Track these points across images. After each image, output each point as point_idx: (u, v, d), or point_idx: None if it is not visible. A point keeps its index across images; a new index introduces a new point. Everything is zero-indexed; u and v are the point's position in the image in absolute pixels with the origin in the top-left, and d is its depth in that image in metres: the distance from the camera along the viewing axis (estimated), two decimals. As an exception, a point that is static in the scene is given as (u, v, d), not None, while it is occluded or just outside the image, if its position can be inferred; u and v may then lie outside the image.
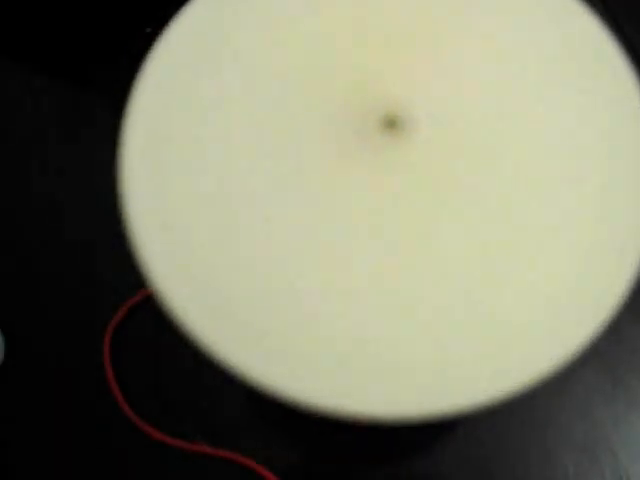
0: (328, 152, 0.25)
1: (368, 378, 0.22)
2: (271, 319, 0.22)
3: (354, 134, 0.25)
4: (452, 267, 0.23)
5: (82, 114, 0.47)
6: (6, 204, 0.45)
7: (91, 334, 0.43)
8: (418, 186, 0.24)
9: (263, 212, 0.24)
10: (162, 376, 0.41)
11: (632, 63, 0.46)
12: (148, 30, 0.39)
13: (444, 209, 0.24)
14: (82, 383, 0.42)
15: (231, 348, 0.22)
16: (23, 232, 0.46)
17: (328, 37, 0.26)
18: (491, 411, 0.37)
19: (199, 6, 0.25)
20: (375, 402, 0.22)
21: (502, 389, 0.22)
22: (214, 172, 0.24)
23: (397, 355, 0.22)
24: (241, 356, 0.22)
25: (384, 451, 0.37)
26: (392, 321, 0.23)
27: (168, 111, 0.25)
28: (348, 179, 0.24)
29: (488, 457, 0.37)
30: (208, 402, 0.40)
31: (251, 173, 0.24)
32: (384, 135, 0.25)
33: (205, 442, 0.37)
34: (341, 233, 0.23)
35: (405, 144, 0.25)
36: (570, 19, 0.26)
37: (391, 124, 0.26)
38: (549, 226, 0.24)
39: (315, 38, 0.26)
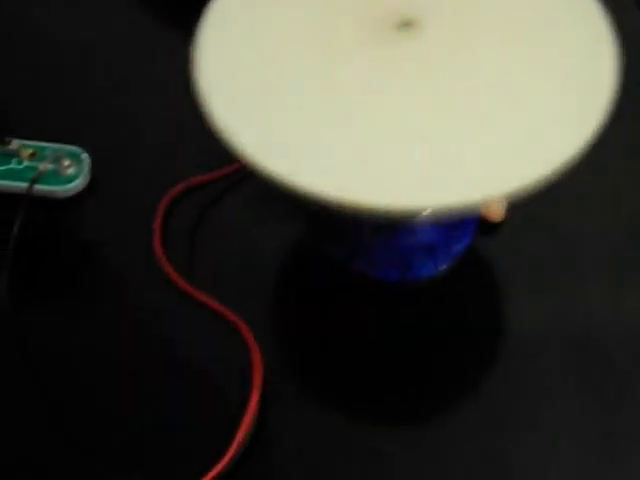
0: (360, 40, 0.33)
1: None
2: (318, 142, 0.31)
3: (380, 30, 0.34)
4: (464, 105, 0.32)
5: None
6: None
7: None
8: (428, 59, 0.33)
9: (309, 74, 0.33)
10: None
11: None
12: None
13: (453, 71, 0.33)
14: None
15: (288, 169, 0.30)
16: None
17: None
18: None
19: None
20: (428, 193, 0.29)
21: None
22: (269, 48, 0.34)
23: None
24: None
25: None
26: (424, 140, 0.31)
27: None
28: (374, 56, 0.33)
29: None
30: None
31: (298, 49, 0.33)
32: (401, 31, 0.34)
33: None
34: (374, 87, 0.32)
35: (417, 37, 0.33)
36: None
37: (407, 24, 0.34)
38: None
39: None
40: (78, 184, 0.44)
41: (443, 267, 0.40)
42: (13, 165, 0.44)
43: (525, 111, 0.31)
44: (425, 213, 0.30)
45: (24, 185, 0.43)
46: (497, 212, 0.41)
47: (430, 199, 0.29)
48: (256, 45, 0.34)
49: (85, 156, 0.44)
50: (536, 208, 0.42)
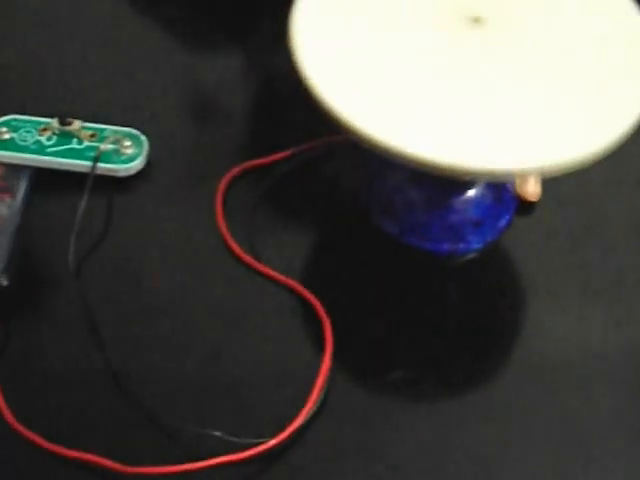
0: (440, 28, 0.38)
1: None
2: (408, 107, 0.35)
3: (456, 23, 0.39)
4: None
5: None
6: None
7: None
8: (492, 48, 0.38)
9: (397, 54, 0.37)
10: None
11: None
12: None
13: (517, 59, 0.38)
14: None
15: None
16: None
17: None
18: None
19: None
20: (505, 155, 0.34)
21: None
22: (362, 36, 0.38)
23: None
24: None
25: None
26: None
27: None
28: (447, 44, 0.38)
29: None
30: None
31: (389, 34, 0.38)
32: (473, 26, 0.38)
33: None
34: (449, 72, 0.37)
35: (485, 31, 0.38)
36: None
37: (476, 20, 0.39)
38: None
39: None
40: (139, 163, 0.46)
41: (489, 241, 0.43)
42: (74, 145, 0.46)
43: (579, 96, 0.36)
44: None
45: (85, 163, 0.45)
46: (534, 192, 0.45)
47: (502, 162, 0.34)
48: (350, 29, 0.38)
49: (144, 138, 0.47)
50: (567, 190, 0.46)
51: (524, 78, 0.36)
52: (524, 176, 0.44)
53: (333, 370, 0.40)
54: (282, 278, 0.43)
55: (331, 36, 0.37)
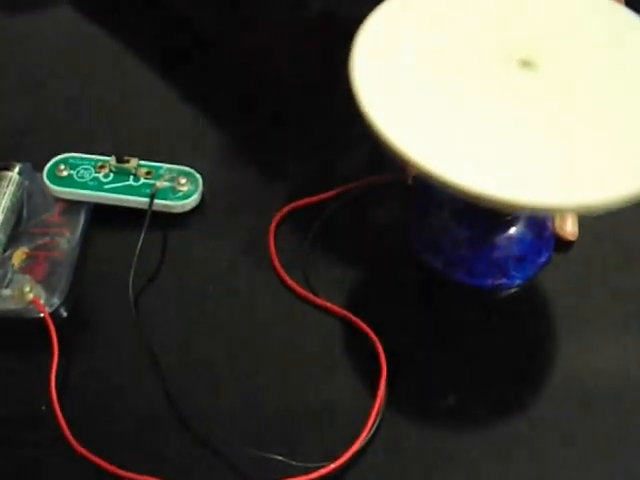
0: (492, 71, 0.41)
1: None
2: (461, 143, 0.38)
3: (507, 67, 0.41)
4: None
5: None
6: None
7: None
8: (543, 95, 0.40)
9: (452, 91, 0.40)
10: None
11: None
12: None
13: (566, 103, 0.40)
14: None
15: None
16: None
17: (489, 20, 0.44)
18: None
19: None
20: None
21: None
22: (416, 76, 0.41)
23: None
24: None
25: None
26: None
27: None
28: (500, 87, 0.40)
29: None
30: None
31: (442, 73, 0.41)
32: (523, 70, 0.41)
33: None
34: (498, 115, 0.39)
35: (535, 75, 0.40)
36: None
37: (526, 64, 0.41)
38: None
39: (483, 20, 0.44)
40: (194, 200, 0.48)
41: (530, 276, 0.45)
42: (131, 182, 0.48)
43: (621, 140, 0.38)
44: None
45: (142, 199, 0.47)
46: (572, 231, 0.47)
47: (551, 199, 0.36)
48: (405, 71, 0.40)
49: (198, 176, 0.49)
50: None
51: (571, 119, 0.38)
52: (567, 213, 0.46)
53: (387, 398, 0.41)
54: (336, 309, 0.45)
55: (389, 78, 0.39)
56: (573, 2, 0.45)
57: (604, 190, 0.36)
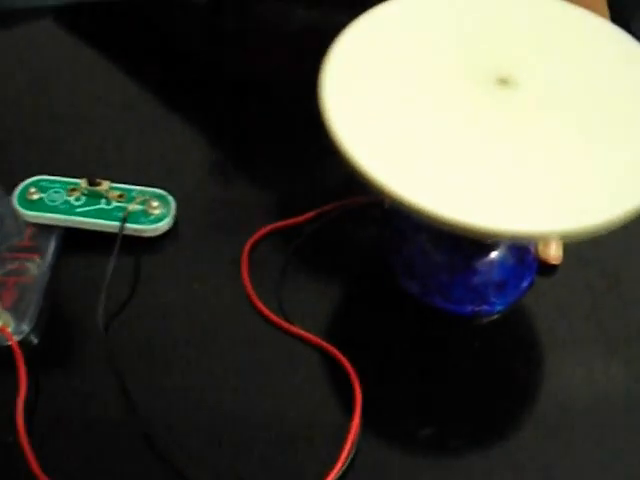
0: (466, 91, 0.40)
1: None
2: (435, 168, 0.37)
3: (483, 84, 0.40)
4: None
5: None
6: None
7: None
8: (519, 111, 0.39)
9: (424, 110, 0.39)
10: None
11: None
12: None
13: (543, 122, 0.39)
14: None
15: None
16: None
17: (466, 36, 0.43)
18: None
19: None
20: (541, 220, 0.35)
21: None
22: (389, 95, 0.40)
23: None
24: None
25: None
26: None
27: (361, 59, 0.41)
28: (476, 104, 0.40)
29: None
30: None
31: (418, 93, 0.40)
32: (500, 87, 0.40)
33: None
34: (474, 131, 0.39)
35: (512, 92, 0.40)
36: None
37: (504, 82, 0.40)
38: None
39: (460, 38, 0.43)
40: (166, 223, 0.47)
41: (511, 302, 0.44)
42: (103, 205, 0.47)
43: (600, 161, 0.37)
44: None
45: (114, 224, 0.46)
46: (556, 255, 0.45)
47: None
48: (378, 91, 0.39)
49: (171, 198, 0.48)
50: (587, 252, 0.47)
51: (549, 142, 0.37)
52: (548, 240, 0.45)
53: (362, 429, 0.40)
54: (311, 337, 0.43)
55: (360, 99, 0.38)
56: (553, 19, 0.43)
57: (586, 216, 0.35)
